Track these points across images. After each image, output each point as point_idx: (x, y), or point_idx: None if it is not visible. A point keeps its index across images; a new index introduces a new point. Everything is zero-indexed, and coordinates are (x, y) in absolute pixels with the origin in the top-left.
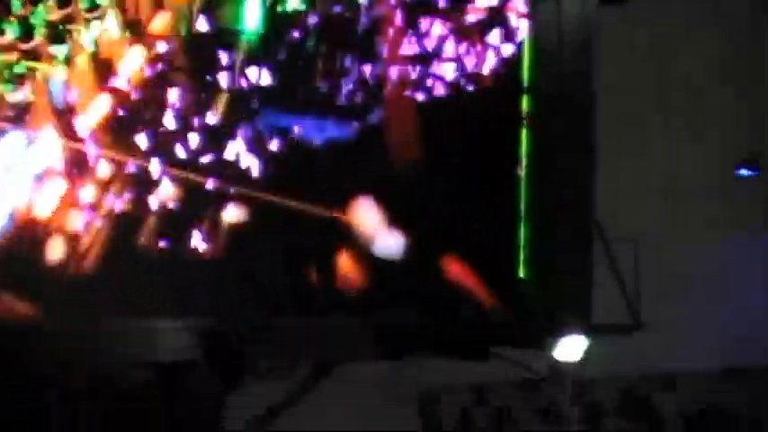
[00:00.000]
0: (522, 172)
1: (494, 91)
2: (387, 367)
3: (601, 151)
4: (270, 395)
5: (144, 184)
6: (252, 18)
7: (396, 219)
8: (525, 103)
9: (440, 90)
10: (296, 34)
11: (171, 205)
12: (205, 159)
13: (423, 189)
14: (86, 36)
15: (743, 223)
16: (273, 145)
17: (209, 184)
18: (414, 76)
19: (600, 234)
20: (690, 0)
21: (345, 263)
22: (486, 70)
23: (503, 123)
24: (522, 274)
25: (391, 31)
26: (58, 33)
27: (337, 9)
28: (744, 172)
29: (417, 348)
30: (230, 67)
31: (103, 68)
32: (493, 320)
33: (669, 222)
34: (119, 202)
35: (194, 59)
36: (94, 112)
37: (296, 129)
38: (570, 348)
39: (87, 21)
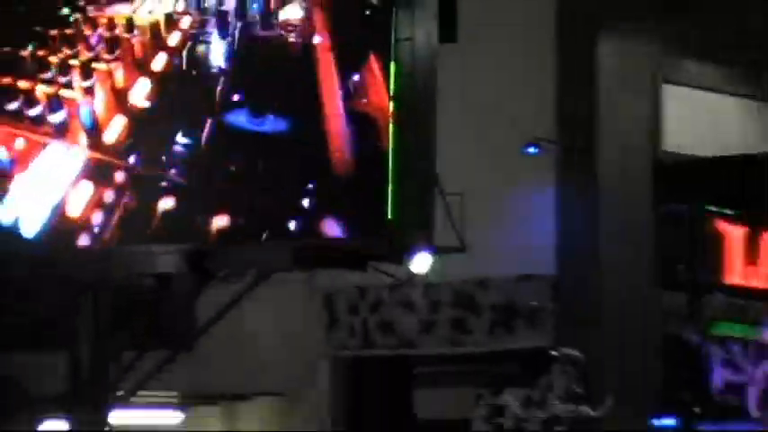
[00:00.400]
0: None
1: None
2: (305, 275)
3: (440, 134)
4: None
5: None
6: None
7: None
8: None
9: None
10: None
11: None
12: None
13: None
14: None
15: (538, 181)
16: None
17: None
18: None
19: (440, 189)
20: None
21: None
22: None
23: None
24: (389, 215)
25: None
26: (86, 70)
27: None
28: (531, 150)
29: (324, 262)
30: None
31: (119, 97)
32: (370, 246)
33: (489, 179)
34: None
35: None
36: (113, 130)
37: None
38: (420, 262)
39: (107, 62)
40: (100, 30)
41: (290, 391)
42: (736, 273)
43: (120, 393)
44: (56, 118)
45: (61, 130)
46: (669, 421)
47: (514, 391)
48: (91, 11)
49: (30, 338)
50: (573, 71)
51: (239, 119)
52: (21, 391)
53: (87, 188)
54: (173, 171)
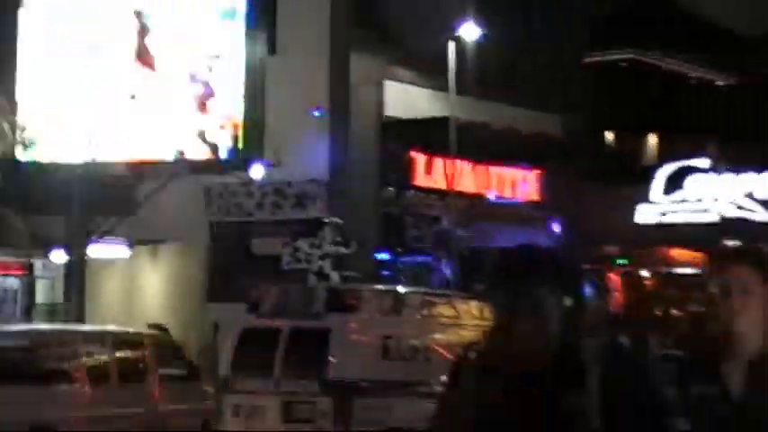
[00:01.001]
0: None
1: None
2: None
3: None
4: None
5: None
6: None
7: None
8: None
9: None
10: None
11: None
12: None
13: None
14: None
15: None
16: None
17: None
18: None
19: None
20: None
21: None
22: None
23: None
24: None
25: None
26: None
27: None
28: (316, 113)
29: (202, 170)
30: None
31: None
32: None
33: (297, 130)
34: None
35: None
36: None
37: None
38: (256, 171)
39: None
40: None
41: (189, 241)
42: (420, 179)
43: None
44: None
45: None
46: (384, 255)
47: (305, 239)
48: None
49: None
50: (337, 72)
51: None
52: None
53: None
54: None
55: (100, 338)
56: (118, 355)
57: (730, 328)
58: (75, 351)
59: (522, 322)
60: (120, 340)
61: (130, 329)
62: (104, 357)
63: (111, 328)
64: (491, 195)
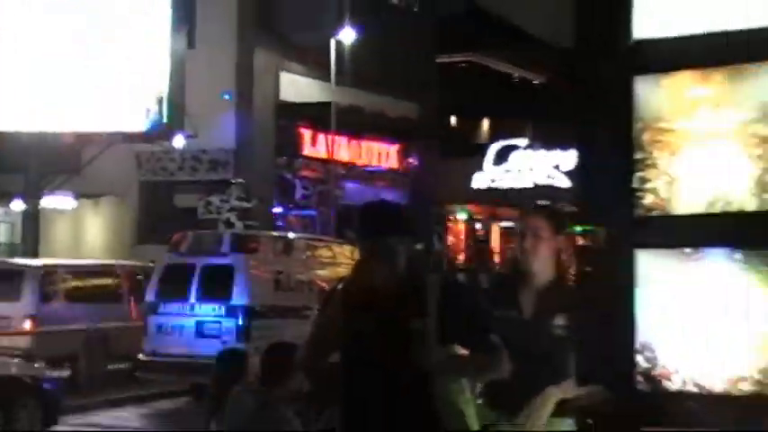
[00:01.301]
0: None
1: None
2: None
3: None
4: None
5: None
6: None
7: None
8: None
9: None
10: None
11: None
12: None
13: None
14: None
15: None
16: None
17: None
18: None
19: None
20: None
21: None
22: None
23: None
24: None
25: None
26: None
27: None
28: (227, 96)
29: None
30: None
31: None
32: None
33: (215, 107)
34: None
35: None
36: None
37: None
38: (178, 141)
39: None
40: None
41: (124, 195)
42: (307, 150)
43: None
44: None
45: None
46: (279, 209)
47: (216, 196)
48: None
49: None
50: (243, 64)
51: None
52: None
53: None
54: None
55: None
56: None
57: (525, 265)
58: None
59: (379, 262)
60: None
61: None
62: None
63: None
64: (363, 163)
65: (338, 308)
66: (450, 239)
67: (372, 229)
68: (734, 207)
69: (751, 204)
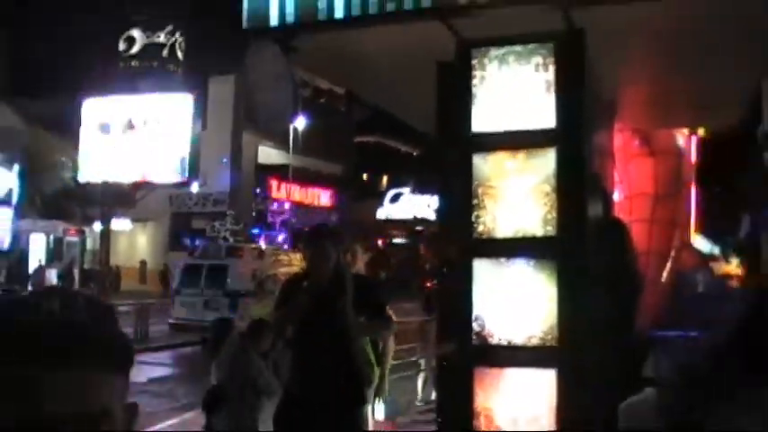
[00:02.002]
0: None
1: None
2: None
3: None
4: None
5: None
6: None
7: None
8: None
9: None
10: None
11: None
12: None
13: None
14: None
15: None
16: None
17: None
18: None
19: None
20: None
21: None
22: None
23: None
24: None
25: None
26: None
27: None
28: (224, 160)
29: None
30: None
31: None
32: None
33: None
34: None
35: None
36: None
37: None
38: None
39: None
40: None
41: (160, 221)
42: (274, 193)
43: None
44: None
45: None
46: (256, 230)
47: (217, 221)
48: None
49: None
50: (235, 140)
51: None
52: None
53: None
54: None
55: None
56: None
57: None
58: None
59: (318, 263)
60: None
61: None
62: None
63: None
64: (307, 201)
65: (292, 294)
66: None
67: (315, 241)
68: (529, 234)
69: (539, 232)
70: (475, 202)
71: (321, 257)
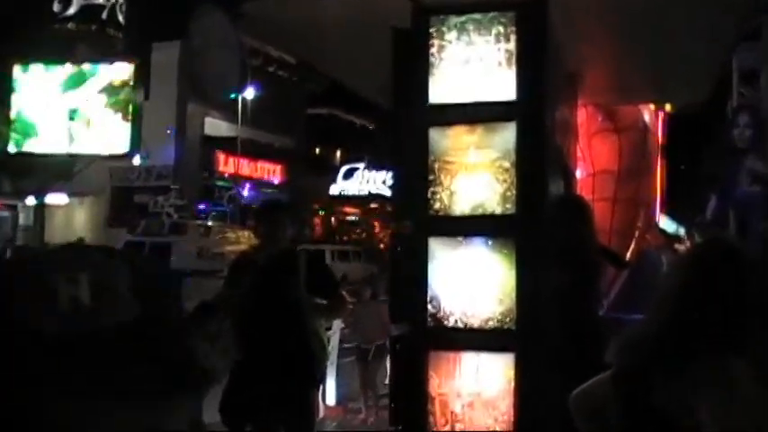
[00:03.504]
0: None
1: None
2: None
3: None
4: None
5: None
6: None
7: None
8: None
9: None
10: None
11: None
12: None
13: None
14: None
15: None
16: None
17: None
18: None
19: None
20: None
21: None
22: None
23: None
24: None
25: None
26: None
27: None
28: (169, 131)
29: None
30: None
31: None
32: None
33: None
34: None
35: None
36: None
37: None
38: None
39: None
40: None
41: (100, 195)
42: (221, 168)
43: None
44: None
45: None
46: (202, 206)
47: (161, 197)
48: None
49: None
50: (181, 111)
51: None
52: None
53: None
54: None
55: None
56: None
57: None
58: None
59: (272, 238)
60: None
61: None
62: None
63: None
64: (257, 175)
65: (241, 271)
66: (316, 228)
67: (268, 216)
68: (488, 211)
69: (498, 210)
70: (431, 177)
71: (275, 233)
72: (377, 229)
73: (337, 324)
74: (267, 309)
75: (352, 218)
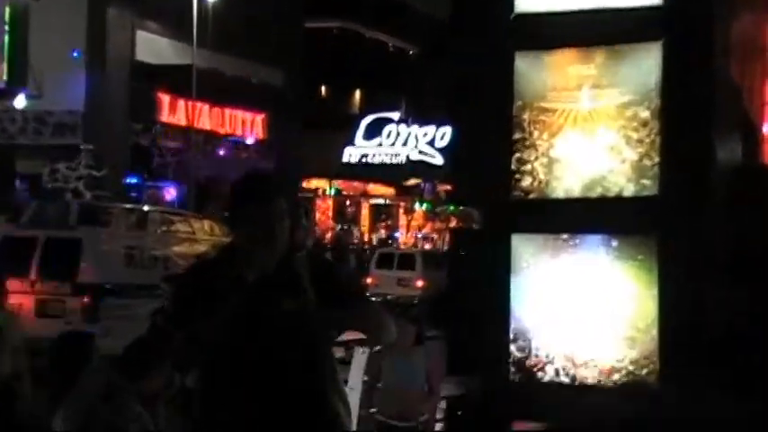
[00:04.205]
0: None
1: None
2: None
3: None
4: None
5: None
6: None
7: None
8: None
9: None
10: None
11: None
12: None
13: None
14: None
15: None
16: None
17: None
18: None
19: (33, 70)
20: None
21: None
22: None
23: None
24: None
25: None
26: None
27: None
28: (75, 54)
29: None
30: None
31: None
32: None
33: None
34: None
35: None
36: None
37: None
38: (19, 101)
39: None
40: None
41: None
42: (165, 116)
43: None
44: None
45: None
46: (133, 179)
47: (63, 163)
48: None
49: None
50: (94, 20)
51: None
52: None
53: None
54: None
55: None
56: None
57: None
58: None
59: (262, 237)
60: None
61: None
62: None
63: None
64: (226, 132)
65: (205, 288)
66: (318, 217)
67: (257, 197)
68: (612, 193)
69: (630, 190)
70: (517, 135)
71: (266, 228)
72: (418, 221)
73: (357, 376)
74: (256, 354)
75: (379, 201)
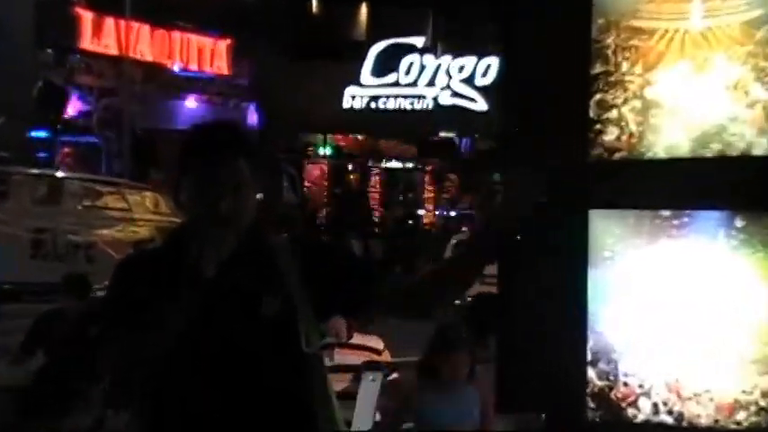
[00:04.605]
0: None
1: None
2: None
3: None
4: None
5: None
6: None
7: None
8: None
9: None
10: None
11: None
12: None
13: None
14: None
15: None
16: None
17: None
18: None
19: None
20: None
21: None
22: None
23: None
24: None
25: None
26: None
27: None
28: None
29: None
30: None
31: None
32: None
33: None
34: None
35: None
36: None
37: None
38: None
39: None
40: None
41: None
42: (87, 42)
43: None
44: None
45: None
46: (41, 133)
47: None
48: None
49: None
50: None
51: None
52: None
53: None
54: None
55: None
56: None
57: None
58: None
59: (224, 213)
60: None
61: None
62: None
63: None
64: (175, 66)
65: (145, 288)
66: (309, 186)
67: (215, 158)
68: (736, 150)
69: (760, 146)
70: (598, 69)
71: (233, 202)
72: (450, 193)
73: (366, 413)
74: (217, 369)
75: (396, 164)
